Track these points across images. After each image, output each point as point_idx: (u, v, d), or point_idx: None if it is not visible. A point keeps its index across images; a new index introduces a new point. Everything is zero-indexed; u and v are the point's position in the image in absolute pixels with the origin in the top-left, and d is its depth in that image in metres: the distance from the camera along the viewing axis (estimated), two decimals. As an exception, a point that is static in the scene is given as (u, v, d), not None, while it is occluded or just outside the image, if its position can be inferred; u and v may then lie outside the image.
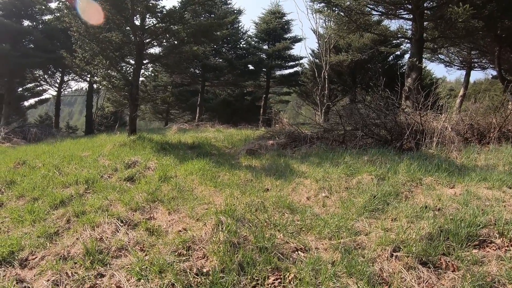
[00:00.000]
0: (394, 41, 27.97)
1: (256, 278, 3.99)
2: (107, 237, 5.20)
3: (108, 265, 4.52)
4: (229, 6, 31.73)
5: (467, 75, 29.12)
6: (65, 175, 8.81)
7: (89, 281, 4.20)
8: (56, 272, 4.39)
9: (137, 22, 13.78)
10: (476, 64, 29.29)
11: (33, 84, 35.59)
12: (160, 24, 14.04)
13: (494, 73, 28.66)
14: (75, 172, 8.93)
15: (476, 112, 11.64)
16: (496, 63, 21.46)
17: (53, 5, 28.59)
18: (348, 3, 16.88)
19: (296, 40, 33.81)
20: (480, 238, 4.56)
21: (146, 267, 4.25)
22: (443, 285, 3.79)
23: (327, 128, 12.66)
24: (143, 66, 15.10)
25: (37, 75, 34.03)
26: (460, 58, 29.20)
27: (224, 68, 29.49)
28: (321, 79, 26.11)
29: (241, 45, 33.33)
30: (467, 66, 29.12)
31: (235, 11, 30.47)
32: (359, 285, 3.76)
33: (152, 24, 14.25)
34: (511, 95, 17.00)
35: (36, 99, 37.61)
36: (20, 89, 34.58)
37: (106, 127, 44.16)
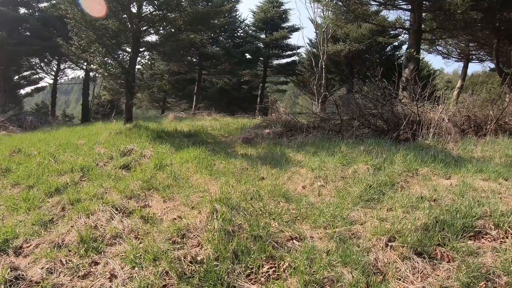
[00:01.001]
0: (392, 32, 27.88)
1: (250, 267, 3.99)
2: (102, 225, 5.19)
3: (102, 253, 4.52)
4: (227, -6, 31.64)
5: (465, 67, 29.19)
6: (61, 163, 8.79)
7: (83, 269, 4.19)
8: (50, 260, 4.39)
9: (134, 10, 13.69)
10: (474, 57, 29.36)
11: (29, 72, 35.49)
12: (157, 11, 13.96)
13: (492, 65, 28.72)
14: (70, 160, 8.91)
15: (473, 104, 11.65)
16: (494, 56, 21.49)
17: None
18: (346, -8, 16.85)
19: (294, 29, 33.88)
20: (476, 229, 4.56)
21: (141, 255, 4.24)
22: (438, 275, 3.78)
23: (324, 118, 12.66)
24: (139, 54, 15.04)
25: (34, 63, 33.93)
26: (458, 50, 29.24)
27: (221, 57, 29.47)
28: (318, 68, 26.01)
29: (238, 33, 33.34)
30: (465, 58, 29.17)
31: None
32: (353, 274, 3.75)
33: (148, 11, 14.16)
34: (508, 87, 17.02)
35: (33, 87, 37.52)
36: (17, 77, 34.51)
37: (103, 115, 44.10)
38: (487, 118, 11.01)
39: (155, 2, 13.46)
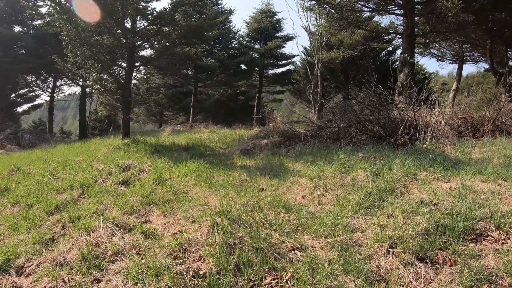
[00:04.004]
0: (386, 37, 28.04)
1: (253, 279, 3.97)
2: (103, 242, 5.16)
3: (104, 270, 4.49)
4: (220, 6, 31.83)
5: (460, 69, 29.29)
6: (60, 180, 8.77)
7: (86, 287, 4.17)
8: (52, 278, 4.37)
9: (128, 25, 13.75)
10: (468, 58, 29.48)
11: (25, 90, 35.50)
12: (151, 26, 14.01)
13: (486, 66, 28.85)
14: (69, 177, 8.89)
15: (469, 106, 11.68)
16: (488, 56, 21.61)
17: (43, 10, 28.60)
18: (338, 0, 16.90)
19: (288, 38, 33.98)
20: (477, 231, 4.55)
21: (143, 271, 4.22)
22: (441, 280, 3.77)
23: (321, 126, 12.64)
24: (135, 69, 15.07)
25: (30, 80, 34.00)
26: (452, 52, 29.37)
27: (217, 68, 29.52)
28: (313, 76, 26.12)
29: (233, 45, 33.50)
30: (459, 60, 29.28)
31: (226, 11, 30.60)
32: (356, 283, 3.73)
33: (143, 26, 14.22)
34: (503, 87, 17.10)
35: (29, 104, 37.46)
36: (13, 95, 34.48)
37: (100, 131, 44.12)
38: (484, 119, 11.04)
39: (149, 17, 13.50)
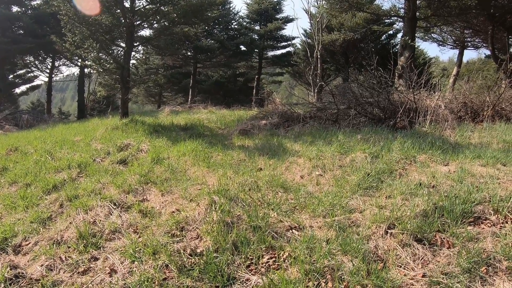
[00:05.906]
0: (387, 20, 27.82)
1: (250, 258, 3.98)
2: (100, 220, 5.18)
3: (101, 248, 4.51)
4: (220, -14, 31.50)
5: (460, 54, 29.19)
6: (58, 160, 8.78)
7: (83, 265, 4.18)
8: (49, 257, 4.39)
9: (127, 4, 13.63)
10: (469, 43, 29.36)
11: (24, 71, 35.32)
12: (150, 5, 13.89)
13: (487, 52, 28.75)
14: (67, 157, 8.89)
15: (469, 91, 11.65)
16: (489, 42, 21.50)
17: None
18: (340, -19, 16.77)
19: (288, 20, 33.79)
20: (475, 215, 4.55)
21: (140, 249, 4.23)
22: (439, 261, 3.77)
23: (320, 107, 12.63)
24: (134, 49, 14.97)
25: (28, 61, 33.82)
26: (453, 37, 29.22)
27: (216, 49, 29.40)
28: (313, 59, 26.04)
29: (232, 26, 33.28)
30: (460, 45, 29.16)
31: (226, -9, 30.33)
32: (354, 262, 3.74)
33: (142, 5, 14.09)
34: (504, 74, 17.03)
35: (28, 85, 37.31)
36: (11, 76, 34.31)
37: (99, 111, 43.98)
38: (484, 104, 11.02)
39: (148, -5, 13.41)
